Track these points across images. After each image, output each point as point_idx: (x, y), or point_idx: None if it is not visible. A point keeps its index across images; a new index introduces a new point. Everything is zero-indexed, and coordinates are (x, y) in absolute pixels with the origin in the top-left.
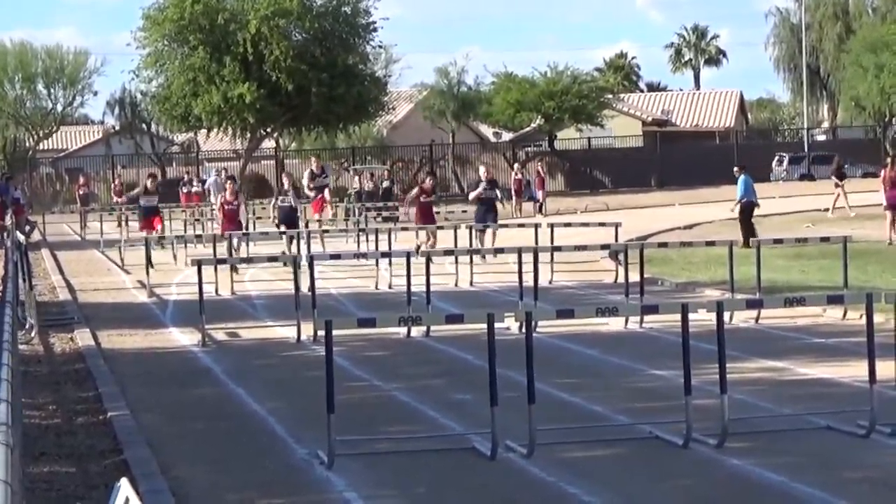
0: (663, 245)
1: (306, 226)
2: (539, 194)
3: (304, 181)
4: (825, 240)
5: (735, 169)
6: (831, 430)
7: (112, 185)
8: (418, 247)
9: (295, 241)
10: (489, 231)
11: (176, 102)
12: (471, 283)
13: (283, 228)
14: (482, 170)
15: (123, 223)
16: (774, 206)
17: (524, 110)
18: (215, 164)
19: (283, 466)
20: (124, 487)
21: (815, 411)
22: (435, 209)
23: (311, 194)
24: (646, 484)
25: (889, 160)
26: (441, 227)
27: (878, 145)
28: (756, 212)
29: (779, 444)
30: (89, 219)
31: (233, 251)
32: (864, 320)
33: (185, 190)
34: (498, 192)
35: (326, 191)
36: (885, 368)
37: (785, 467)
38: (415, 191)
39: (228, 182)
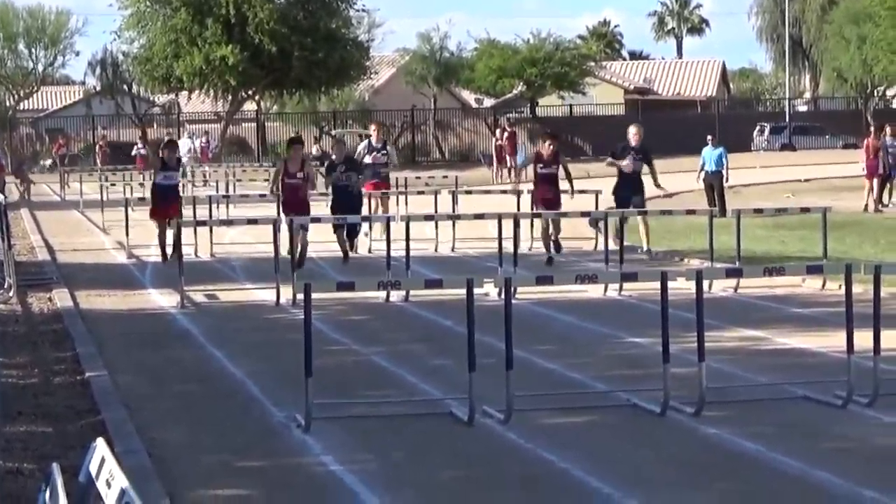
0: (643, 213)
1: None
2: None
3: (363, 149)
4: (805, 210)
5: (711, 138)
6: (808, 399)
7: (97, 146)
8: (547, 237)
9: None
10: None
11: (158, 63)
12: (452, 249)
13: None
14: (632, 131)
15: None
16: (755, 176)
17: (506, 77)
18: (195, 125)
19: (260, 429)
20: (100, 447)
21: (793, 381)
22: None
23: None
24: (622, 451)
25: (872, 130)
26: (421, 193)
27: (859, 116)
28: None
29: (756, 414)
30: (70, 179)
31: (298, 247)
32: (842, 291)
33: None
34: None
35: (389, 171)
36: (862, 339)
37: (761, 436)
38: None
39: (292, 147)
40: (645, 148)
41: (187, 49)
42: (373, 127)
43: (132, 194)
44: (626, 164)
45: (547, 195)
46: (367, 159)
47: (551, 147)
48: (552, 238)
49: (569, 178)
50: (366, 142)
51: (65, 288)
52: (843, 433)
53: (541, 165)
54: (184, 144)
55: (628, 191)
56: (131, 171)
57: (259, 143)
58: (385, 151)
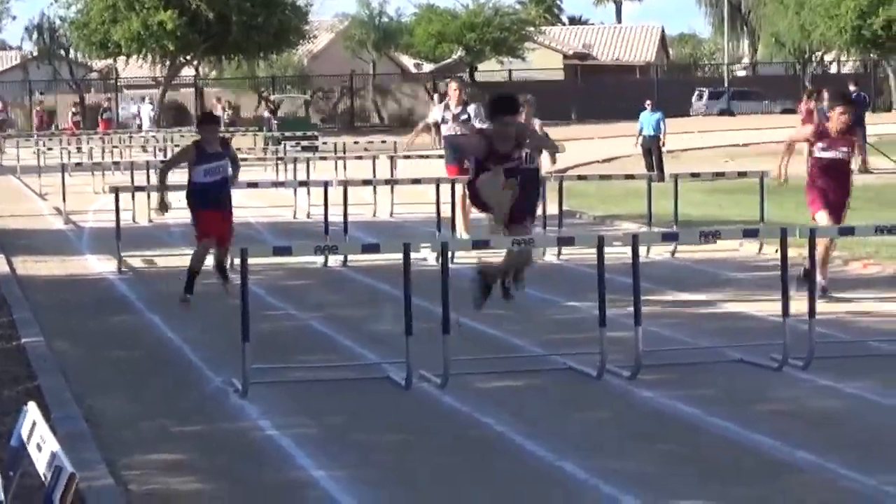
0: (582, 178)
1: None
2: None
3: (436, 116)
4: (742, 175)
5: (649, 103)
6: (744, 363)
7: (34, 113)
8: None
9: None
10: None
11: (95, 28)
12: (390, 214)
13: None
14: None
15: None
16: (693, 141)
17: (445, 42)
18: (135, 91)
19: (197, 395)
20: (31, 412)
21: (729, 344)
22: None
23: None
24: (559, 414)
25: (806, 95)
26: (359, 158)
27: (797, 81)
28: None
29: (692, 377)
30: (6, 145)
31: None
32: (779, 255)
33: (105, 116)
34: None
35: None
36: (798, 302)
37: (698, 399)
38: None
39: (207, 128)
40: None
41: (125, 14)
42: (452, 85)
43: (69, 159)
44: None
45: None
46: (445, 130)
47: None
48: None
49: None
50: (440, 106)
51: (1, 254)
52: (778, 396)
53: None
54: (144, 110)
55: None
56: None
57: (197, 108)
58: (467, 115)
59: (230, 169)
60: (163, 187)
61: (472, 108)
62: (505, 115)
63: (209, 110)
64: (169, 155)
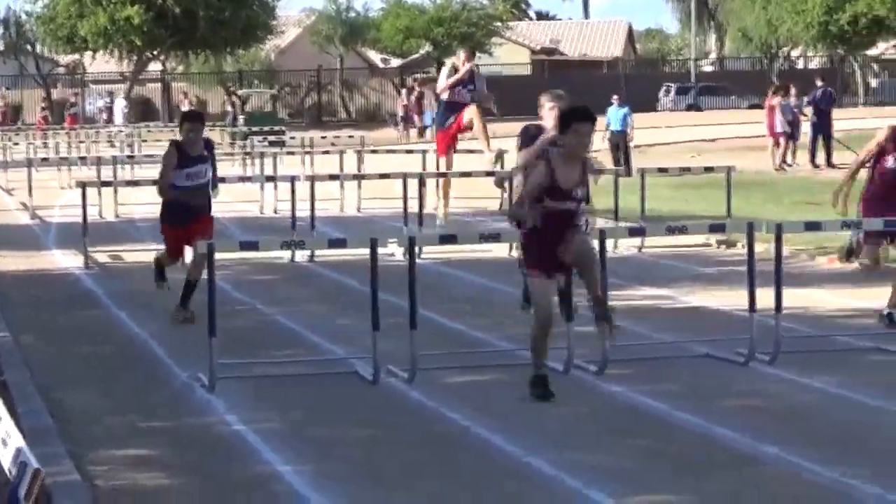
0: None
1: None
2: (422, 119)
3: (440, 84)
4: (709, 170)
5: (616, 98)
6: (711, 357)
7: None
8: None
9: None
10: None
11: (61, 23)
12: (357, 209)
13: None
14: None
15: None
16: (660, 136)
17: (413, 37)
18: (101, 86)
19: (164, 390)
20: None
21: (696, 339)
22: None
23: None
24: (526, 409)
25: (771, 90)
26: (327, 153)
27: (764, 76)
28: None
29: (659, 372)
30: None
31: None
32: (745, 249)
33: (72, 111)
34: None
35: (471, 114)
36: (764, 297)
37: (664, 394)
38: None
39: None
40: None
41: (91, 9)
42: (461, 53)
43: (35, 154)
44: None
45: None
46: (445, 95)
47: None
48: None
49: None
50: (446, 72)
51: None
52: (745, 390)
53: None
54: (118, 105)
55: None
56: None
57: (164, 103)
58: (472, 87)
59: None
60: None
61: (479, 80)
62: (581, 123)
63: (193, 107)
64: (136, 150)
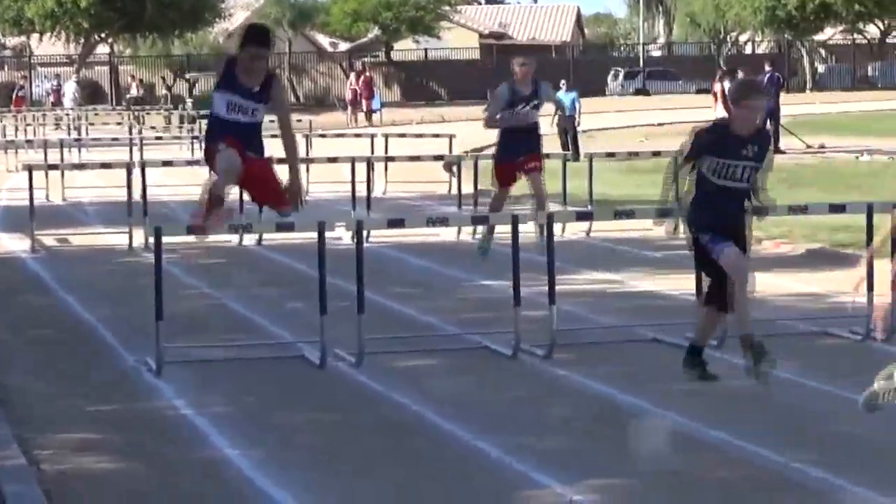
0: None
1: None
2: (370, 104)
3: (502, 100)
4: (657, 154)
5: (564, 83)
6: (658, 342)
7: None
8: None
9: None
10: None
11: (8, 5)
12: (306, 193)
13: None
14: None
15: None
16: (609, 121)
17: (361, 20)
18: (49, 69)
19: (111, 374)
20: None
21: (643, 323)
22: None
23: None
24: (474, 393)
25: (720, 75)
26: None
27: (712, 61)
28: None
29: (606, 356)
30: None
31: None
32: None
33: (19, 94)
34: None
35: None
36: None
37: (611, 378)
38: None
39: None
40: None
41: None
42: (518, 62)
43: None
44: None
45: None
46: (507, 115)
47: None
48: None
49: None
50: (504, 86)
51: None
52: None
53: None
54: (69, 88)
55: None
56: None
57: (112, 86)
58: (536, 102)
59: (261, 115)
60: None
61: (544, 90)
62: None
63: (262, 25)
64: (83, 133)
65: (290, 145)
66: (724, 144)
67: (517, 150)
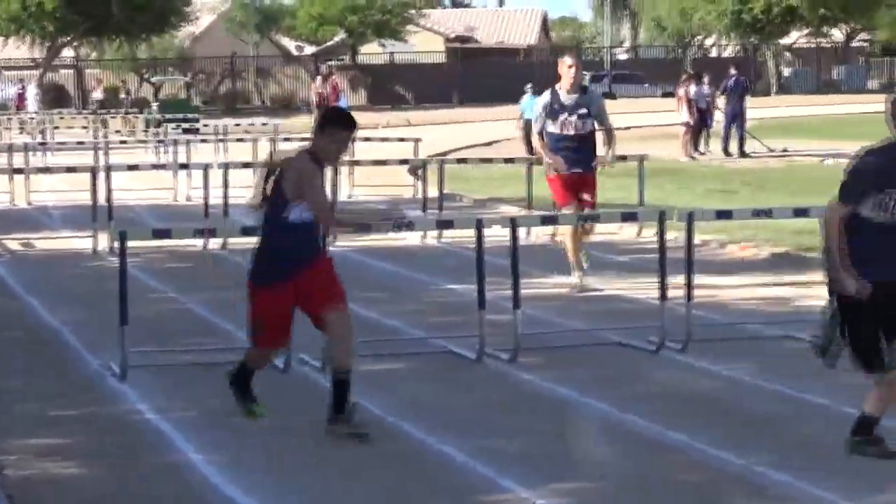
0: (462, 161)
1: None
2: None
3: (541, 109)
4: (622, 158)
5: (530, 87)
6: (623, 345)
7: None
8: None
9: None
10: None
11: None
12: None
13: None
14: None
15: None
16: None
17: (327, 24)
18: (13, 72)
19: (75, 378)
20: None
21: (608, 327)
22: None
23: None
24: (439, 397)
25: (684, 78)
26: (241, 140)
27: (678, 65)
28: None
29: (571, 359)
30: None
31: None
32: (657, 238)
33: None
34: None
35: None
36: (675, 285)
37: (576, 381)
38: None
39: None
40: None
41: None
42: (567, 61)
43: None
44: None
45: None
46: (552, 127)
47: None
48: None
49: None
50: (547, 94)
51: None
52: (655, 378)
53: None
54: (31, 92)
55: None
56: None
57: (77, 90)
58: (585, 111)
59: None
60: None
61: (591, 96)
62: None
63: (335, 106)
64: (49, 137)
65: None
66: (891, 171)
67: (570, 163)
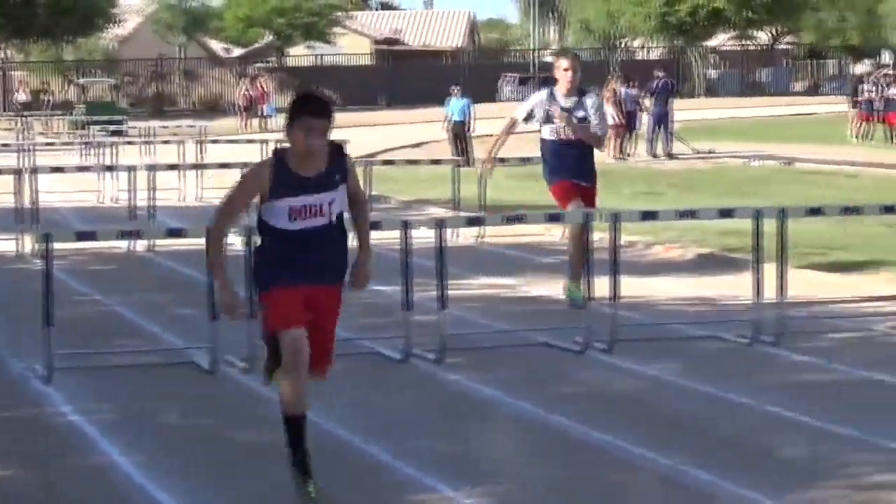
0: (389, 162)
1: None
2: (263, 109)
3: (533, 110)
4: None
5: (456, 89)
6: (549, 346)
7: None
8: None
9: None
10: None
11: None
12: (198, 199)
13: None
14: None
15: None
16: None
17: (255, 26)
18: None
19: None
20: None
21: (534, 328)
22: None
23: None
24: (365, 398)
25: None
26: (167, 142)
27: (605, 67)
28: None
29: (497, 360)
30: None
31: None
32: (583, 238)
33: None
34: None
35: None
36: (602, 286)
37: (502, 382)
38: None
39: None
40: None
41: None
42: (563, 63)
43: None
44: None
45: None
46: (547, 132)
47: None
48: None
49: None
50: (544, 92)
51: None
52: (581, 379)
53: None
54: None
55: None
56: None
57: (1, 92)
58: (583, 114)
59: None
60: (218, 269)
61: (590, 100)
62: None
63: (310, 89)
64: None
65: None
66: None
67: (569, 171)
